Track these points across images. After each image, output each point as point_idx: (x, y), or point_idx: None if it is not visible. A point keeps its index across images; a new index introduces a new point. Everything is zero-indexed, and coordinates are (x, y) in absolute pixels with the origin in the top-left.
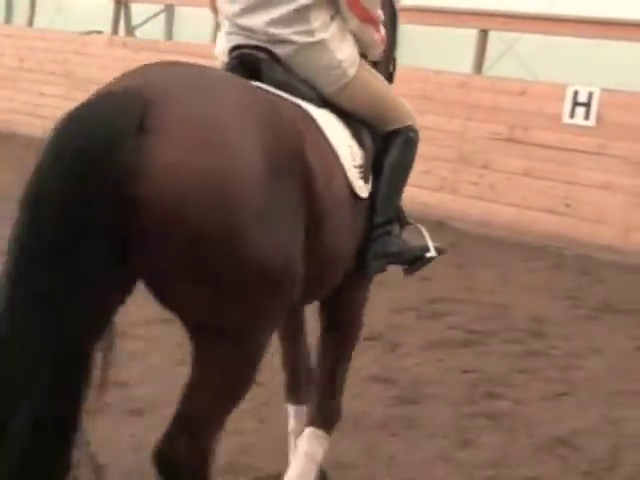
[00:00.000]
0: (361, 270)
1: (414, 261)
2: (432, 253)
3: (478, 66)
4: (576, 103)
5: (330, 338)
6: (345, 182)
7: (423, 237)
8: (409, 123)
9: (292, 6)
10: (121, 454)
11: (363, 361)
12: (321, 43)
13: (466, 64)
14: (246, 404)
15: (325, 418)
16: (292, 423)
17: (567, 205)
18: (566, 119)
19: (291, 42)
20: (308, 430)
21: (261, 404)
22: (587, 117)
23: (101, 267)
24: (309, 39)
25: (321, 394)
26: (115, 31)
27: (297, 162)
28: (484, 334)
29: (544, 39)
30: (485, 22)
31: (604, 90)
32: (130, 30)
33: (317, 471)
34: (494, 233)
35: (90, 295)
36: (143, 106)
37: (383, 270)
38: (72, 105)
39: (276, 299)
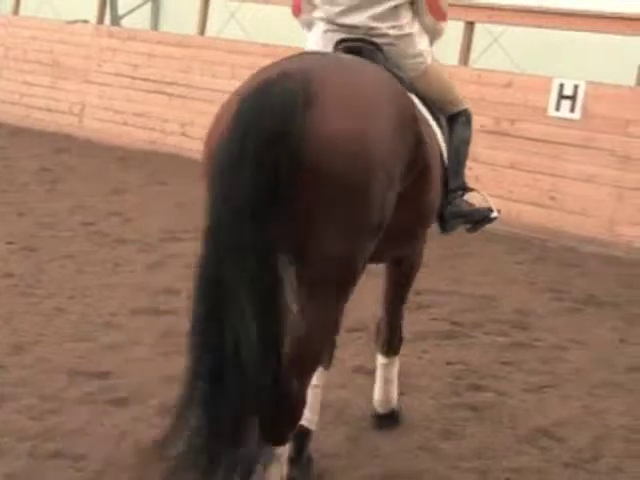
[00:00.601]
0: (441, 229)
1: (481, 221)
2: (495, 214)
3: (464, 58)
4: (562, 96)
5: (395, 285)
6: (439, 148)
7: (487, 201)
8: (467, 106)
9: (387, 5)
10: (103, 444)
11: (348, 352)
12: (409, 36)
13: (452, 56)
14: None
15: (395, 347)
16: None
17: (552, 198)
18: (552, 112)
19: (386, 35)
20: (382, 360)
21: None
22: (573, 110)
23: (275, 219)
24: (400, 32)
25: (389, 330)
26: (101, 20)
27: (413, 126)
28: (468, 326)
29: (530, 32)
30: (471, 14)
31: (589, 83)
32: (116, 19)
33: (396, 388)
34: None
35: (270, 244)
36: (306, 86)
37: (454, 229)
38: (57, 94)
39: (373, 244)
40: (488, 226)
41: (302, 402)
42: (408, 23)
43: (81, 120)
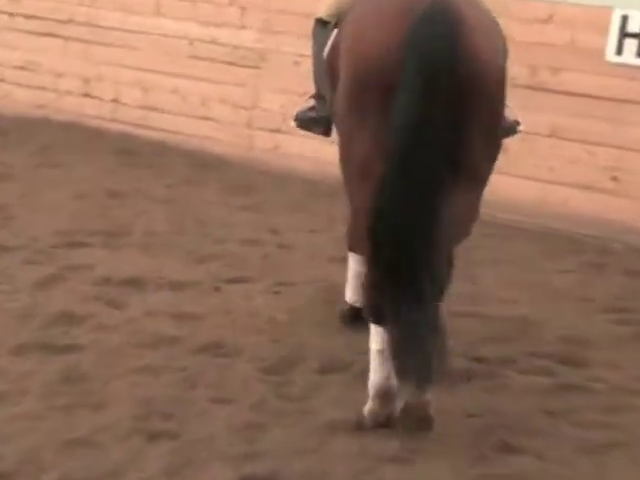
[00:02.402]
0: None
1: (509, 133)
2: (522, 127)
3: None
4: (625, 34)
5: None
6: None
7: (514, 114)
8: None
9: None
10: None
11: (326, 400)
12: None
13: None
14: None
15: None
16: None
17: (613, 178)
18: (611, 56)
19: None
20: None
21: None
22: None
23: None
24: None
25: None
26: None
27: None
28: (496, 362)
29: None
30: None
31: None
32: None
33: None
34: (508, 218)
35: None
36: (455, 20)
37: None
38: None
39: None
40: (519, 219)
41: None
42: None
43: None
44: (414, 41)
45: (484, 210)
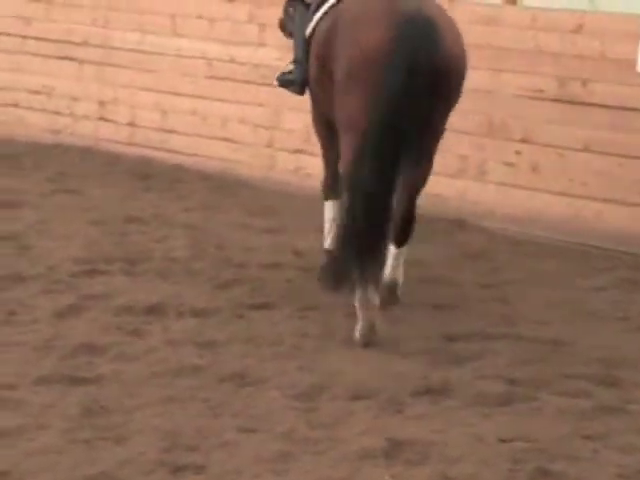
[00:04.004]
0: None
1: None
2: None
3: None
4: None
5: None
6: None
7: None
8: None
9: None
10: None
11: (356, 428)
12: None
13: None
14: None
15: (408, 238)
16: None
17: None
18: None
19: None
20: (395, 251)
21: None
22: None
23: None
24: None
25: (404, 221)
26: None
27: None
28: (531, 384)
29: None
30: None
31: None
32: None
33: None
34: (539, 235)
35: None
36: (432, 22)
37: None
38: None
39: None
40: (552, 235)
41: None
42: None
43: None
44: (403, 36)
45: (516, 228)
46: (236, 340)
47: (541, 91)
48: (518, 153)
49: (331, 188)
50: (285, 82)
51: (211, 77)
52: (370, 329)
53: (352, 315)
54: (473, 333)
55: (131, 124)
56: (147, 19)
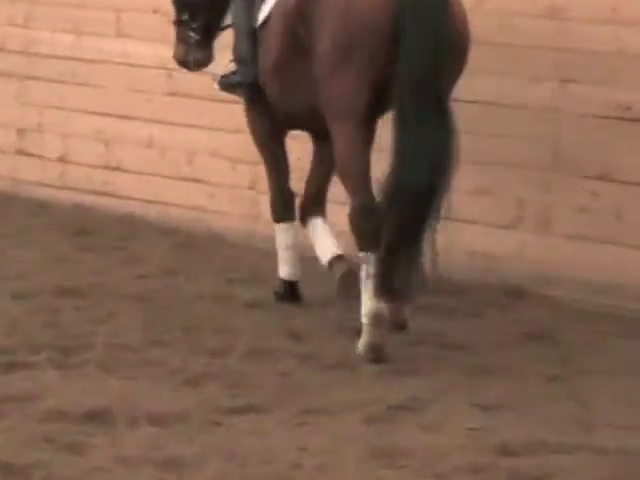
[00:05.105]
0: None
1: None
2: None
3: None
4: None
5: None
6: None
7: None
8: None
9: None
10: None
11: None
12: None
13: None
14: None
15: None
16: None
17: None
18: None
19: None
20: (320, 222)
21: None
22: None
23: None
24: None
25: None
26: None
27: None
28: None
29: None
30: None
31: None
32: None
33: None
34: (624, 307)
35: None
36: None
37: None
38: None
39: None
40: (636, 309)
41: None
42: None
43: None
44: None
45: (592, 298)
46: (212, 457)
47: (628, 109)
48: (595, 194)
49: (284, 207)
50: (229, 86)
51: (172, 94)
52: (376, 350)
53: (371, 420)
54: (537, 444)
55: (62, 159)
56: (83, 14)
